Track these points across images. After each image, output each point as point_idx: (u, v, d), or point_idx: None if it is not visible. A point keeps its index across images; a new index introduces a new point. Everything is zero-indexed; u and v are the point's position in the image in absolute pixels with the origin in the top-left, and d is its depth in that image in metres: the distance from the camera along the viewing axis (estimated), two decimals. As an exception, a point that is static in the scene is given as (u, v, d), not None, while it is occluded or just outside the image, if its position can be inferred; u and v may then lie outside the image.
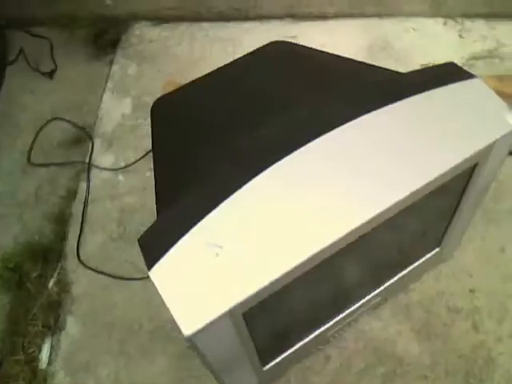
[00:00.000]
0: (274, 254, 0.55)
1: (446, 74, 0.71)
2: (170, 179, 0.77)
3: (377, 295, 0.91)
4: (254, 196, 0.58)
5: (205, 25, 1.57)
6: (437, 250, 0.93)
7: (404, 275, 0.92)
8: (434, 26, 1.50)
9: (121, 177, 1.29)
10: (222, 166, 0.63)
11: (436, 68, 0.74)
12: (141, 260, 0.60)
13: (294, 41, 1.52)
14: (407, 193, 0.58)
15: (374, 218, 0.57)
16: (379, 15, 1.52)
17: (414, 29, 1.49)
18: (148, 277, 0.58)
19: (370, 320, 1.04)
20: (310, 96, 0.75)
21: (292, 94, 0.80)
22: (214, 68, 1.45)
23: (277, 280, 0.53)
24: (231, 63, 0.95)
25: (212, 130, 0.79)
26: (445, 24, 1.50)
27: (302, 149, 0.61)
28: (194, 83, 0.94)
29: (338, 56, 0.93)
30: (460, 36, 1.47)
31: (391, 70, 0.81)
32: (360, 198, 0.58)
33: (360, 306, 0.90)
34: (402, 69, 1.39)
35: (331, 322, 0.86)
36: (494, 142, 0.63)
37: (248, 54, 0.97)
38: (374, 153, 0.62)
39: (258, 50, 0.96)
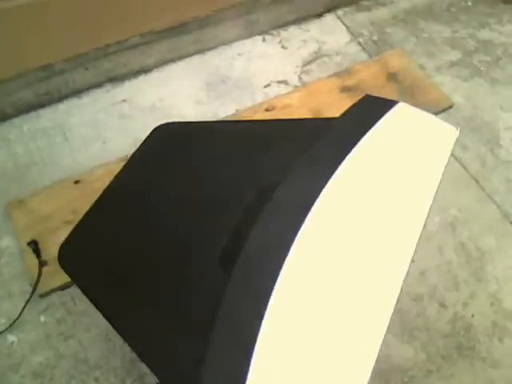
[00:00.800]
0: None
1: (371, 109, 0.79)
2: (151, 337, 0.71)
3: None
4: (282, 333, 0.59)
5: (15, 121, 1.47)
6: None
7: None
8: (255, 45, 1.67)
9: (11, 337, 1.14)
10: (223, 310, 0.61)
11: (358, 107, 0.80)
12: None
13: (125, 104, 1.55)
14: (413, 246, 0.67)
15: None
16: (200, 51, 1.63)
17: (239, 54, 1.64)
18: None
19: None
20: (245, 180, 0.76)
21: (225, 180, 0.80)
22: (53, 170, 1.37)
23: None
24: (124, 172, 0.91)
25: (164, 262, 0.74)
26: (264, 40, 1.68)
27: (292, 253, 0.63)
28: (96, 211, 0.88)
29: (239, 121, 0.97)
30: (283, 47, 1.67)
31: (316, 120, 0.88)
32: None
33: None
34: (250, 94, 1.53)
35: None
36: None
37: (137, 152, 0.95)
38: (362, 223, 0.67)
39: (144, 144, 0.95)
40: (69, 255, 0.87)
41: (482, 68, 1.63)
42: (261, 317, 0.60)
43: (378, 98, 0.84)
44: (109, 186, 0.92)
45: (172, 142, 0.93)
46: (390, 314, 0.63)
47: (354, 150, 0.74)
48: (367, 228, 0.68)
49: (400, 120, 0.79)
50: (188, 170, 0.86)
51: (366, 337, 0.61)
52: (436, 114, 1.52)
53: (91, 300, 0.83)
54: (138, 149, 0.97)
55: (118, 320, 0.80)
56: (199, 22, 1.55)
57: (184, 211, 0.78)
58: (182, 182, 0.84)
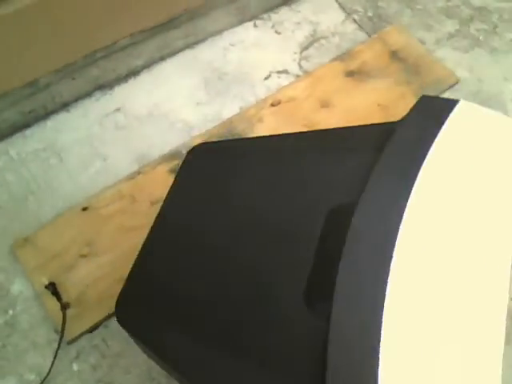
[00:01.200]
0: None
1: (433, 112, 0.72)
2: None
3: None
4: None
5: (0, 147, 1.31)
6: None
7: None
8: (246, 33, 1.53)
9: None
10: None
11: (418, 110, 0.74)
12: None
13: (119, 113, 1.40)
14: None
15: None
16: (189, 46, 1.49)
17: (231, 44, 1.51)
18: None
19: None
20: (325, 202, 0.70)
21: (285, 206, 0.74)
22: (54, 198, 1.22)
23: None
24: (169, 208, 0.81)
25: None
26: (255, 26, 1.55)
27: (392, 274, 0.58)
28: (147, 257, 0.78)
29: (276, 135, 0.88)
30: (277, 32, 1.54)
31: (369, 127, 0.80)
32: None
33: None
34: (250, 89, 1.41)
35: None
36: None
37: (176, 182, 0.84)
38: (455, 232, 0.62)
39: (183, 172, 0.84)
40: (128, 312, 0.77)
41: (480, 37, 1.56)
42: (377, 367, 0.55)
43: (436, 99, 0.79)
44: (154, 227, 0.82)
45: (216, 168, 0.85)
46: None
47: (427, 159, 0.68)
48: (463, 245, 0.62)
49: (466, 121, 0.73)
50: (243, 198, 0.78)
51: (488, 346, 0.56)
52: (443, 91, 1.45)
53: (160, 357, 0.74)
54: (177, 178, 0.87)
55: (192, 370, 0.71)
56: (188, 14, 1.39)
57: (249, 246, 0.72)
58: (239, 213, 0.77)
